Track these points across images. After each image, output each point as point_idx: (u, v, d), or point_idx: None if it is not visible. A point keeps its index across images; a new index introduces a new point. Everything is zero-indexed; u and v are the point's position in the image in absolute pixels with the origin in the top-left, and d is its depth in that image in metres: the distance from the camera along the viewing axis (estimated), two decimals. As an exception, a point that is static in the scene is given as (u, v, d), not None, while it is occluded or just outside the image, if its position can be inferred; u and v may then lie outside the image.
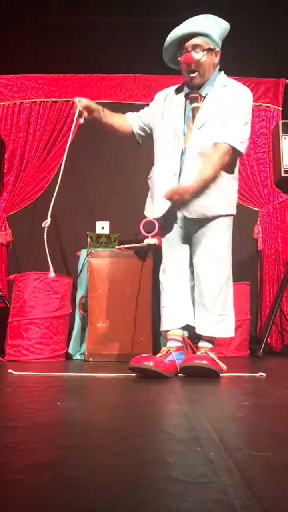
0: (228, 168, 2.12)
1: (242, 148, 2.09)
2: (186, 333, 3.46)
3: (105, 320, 2.98)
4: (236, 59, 3.90)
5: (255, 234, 4.04)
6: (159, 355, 2.04)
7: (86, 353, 2.95)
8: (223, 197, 2.12)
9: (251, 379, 1.99)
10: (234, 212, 2.19)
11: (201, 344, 2.10)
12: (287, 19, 3.54)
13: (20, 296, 2.99)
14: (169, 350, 2.05)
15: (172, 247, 2.21)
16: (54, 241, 3.99)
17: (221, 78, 2.21)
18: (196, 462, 0.77)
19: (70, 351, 3.10)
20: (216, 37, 2.14)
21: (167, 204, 2.10)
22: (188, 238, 2.19)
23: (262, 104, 4.14)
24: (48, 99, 4.06)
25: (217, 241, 2.12)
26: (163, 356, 2.02)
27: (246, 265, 3.96)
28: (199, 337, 2.13)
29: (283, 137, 3.86)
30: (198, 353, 2.05)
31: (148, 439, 0.97)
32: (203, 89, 2.15)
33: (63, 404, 1.39)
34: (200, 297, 2.10)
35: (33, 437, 0.97)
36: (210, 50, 2.10)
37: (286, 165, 3.80)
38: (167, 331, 2.16)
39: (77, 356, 3.11)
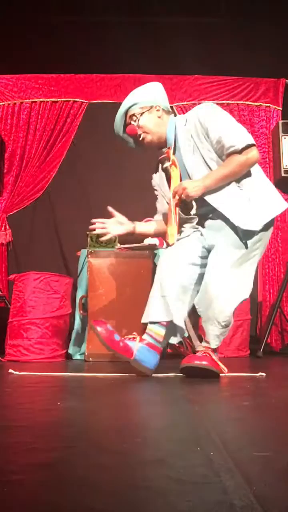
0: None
1: (249, 144, 1.99)
2: (186, 333, 3.46)
3: (105, 320, 2.98)
4: (236, 59, 3.91)
5: (255, 234, 4.04)
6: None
7: (86, 353, 2.95)
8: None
9: (251, 379, 1.99)
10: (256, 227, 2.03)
11: (204, 344, 2.08)
12: (287, 19, 3.54)
13: (20, 296, 2.99)
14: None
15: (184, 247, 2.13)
16: (54, 241, 3.99)
17: (179, 120, 2.17)
18: (196, 462, 0.77)
19: (70, 351, 3.10)
20: (145, 98, 2.14)
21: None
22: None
23: (262, 104, 4.15)
24: (48, 99, 4.07)
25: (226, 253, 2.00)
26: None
27: (246, 265, 3.96)
28: (201, 338, 2.12)
29: (283, 137, 3.86)
30: (199, 353, 2.04)
31: (148, 439, 0.97)
32: (168, 141, 2.14)
33: (63, 404, 1.39)
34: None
35: (33, 437, 0.97)
36: (144, 111, 2.12)
37: (286, 165, 3.81)
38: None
39: (77, 356, 3.11)
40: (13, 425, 1.08)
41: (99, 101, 4.02)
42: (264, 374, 2.02)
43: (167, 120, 2.17)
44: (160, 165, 2.25)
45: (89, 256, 3.10)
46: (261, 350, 3.25)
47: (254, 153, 2.01)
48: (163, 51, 3.83)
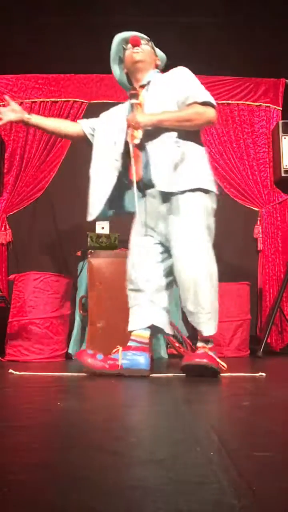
0: (194, 137, 2.14)
1: (211, 102, 2.13)
2: (186, 333, 3.46)
3: (105, 320, 2.98)
4: (236, 59, 3.91)
5: (255, 234, 4.04)
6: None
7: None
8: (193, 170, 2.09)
9: (251, 379, 1.99)
10: (210, 188, 2.10)
11: (199, 344, 2.09)
12: (286, 19, 3.54)
13: (20, 296, 2.99)
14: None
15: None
16: (54, 241, 3.99)
17: (160, 74, 2.32)
18: (195, 462, 0.77)
19: (70, 351, 3.10)
20: (158, 51, 2.38)
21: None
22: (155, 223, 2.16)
23: (262, 104, 4.15)
24: (48, 99, 4.07)
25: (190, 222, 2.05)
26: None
27: (246, 265, 3.96)
28: (198, 337, 2.13)
29: (283, 137, 3.86)
30: (198, 351, 2.05)
31: (148, 439, 0.97)
32: (144, 78, 2.25)
33: (63, 404, 1.39)
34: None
35: (33, 437, 0.97)
36: (153, 49, 2.32)
37: (286, 165, 3.81)
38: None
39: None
40: (13, 425, 1.08)
41: (99, 101, 4.02)
42: (264, 374, 2.02)
43: (153, 66, 2.31)
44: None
45: (89, 256, 3.10)
46: (261, 350, 3.25)
47: (213, 111, 2.12)
48: (162, 51, 3.82)
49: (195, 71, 4.20)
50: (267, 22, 3.61)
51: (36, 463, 0.77)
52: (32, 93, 4.08)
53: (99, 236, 3.26)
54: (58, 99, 4.07)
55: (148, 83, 2.24)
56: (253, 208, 4.06)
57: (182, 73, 2.25)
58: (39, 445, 0.90)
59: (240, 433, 1.03)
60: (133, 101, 2.20)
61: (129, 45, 2.26)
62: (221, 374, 2.04)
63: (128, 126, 2.11)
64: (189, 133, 2.12)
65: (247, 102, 4.15)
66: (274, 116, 4.14)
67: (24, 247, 4.00)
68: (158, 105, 2.13)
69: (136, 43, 2.24)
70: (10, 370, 2.13)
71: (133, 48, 2.24)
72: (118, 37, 2.31)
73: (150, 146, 2.11)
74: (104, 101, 3.99)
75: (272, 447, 0.88)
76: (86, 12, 3.70)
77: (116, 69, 2.39)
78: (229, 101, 4.14)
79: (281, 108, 4.15)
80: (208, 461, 0.77)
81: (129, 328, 2.12)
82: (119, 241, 3.32)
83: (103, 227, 3.37)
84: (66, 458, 0.81)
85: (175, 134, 2.09)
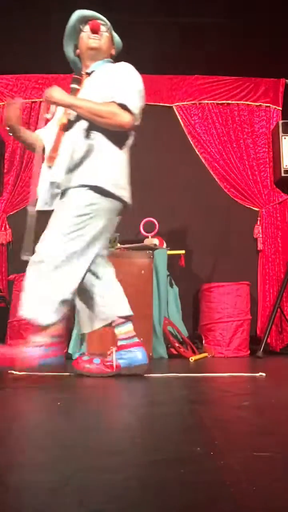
0: (113, 137, 2.06)
1: (128, 107, 1.99)
2: (186, 333, 3.46)
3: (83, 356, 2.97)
4: (236, 59, 3.91)
5: (255, 234, 4.04)
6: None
7: (86, 353, 2.95)
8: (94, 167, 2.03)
9: (251, 379, 1.99)
10: (107, 188, 2.04)
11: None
12: (286, 19, 3.54)
13: (20, 296, 2.99)
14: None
15: None
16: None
17: (111, 64, 2.23)
18: (196, 462, 0.77)
19: (70, 351, 3.10)
20: (116, 39, 2.30)
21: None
22: None
23: (262, 104, 4.15)
24: (48, 99, 4.06)
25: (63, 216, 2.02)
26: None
27: (246, 265, 3.96)
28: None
29: (283, 137, 3.86)
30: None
31: (148, 439, 0.97)
32: (92, 66, 2.20)
33: (63, 404, 1.39)
34: None
35: (33, 437, 0.97)
36: (111, 37, 2.25)
37: (286, 165, 3.81)
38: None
39: (77, 356, 3.11)
40: (13, 425, 1.08)
41: (99, 101, 4.02)
42: (264, 374, 2.02)
43: (106, 55, 2.24)
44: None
45: (89, 256, 3.09)
46: (261, 350, 3.25)
47: (127, 116, 2.00)
48: (163, 51, 3.82)
49: (195, 71, 4.22)
50: (267, 22, 3.61)
51: (36, 463, 0.77)
52: (32, 93, 4.08)
53: (99, 236, 3.26)
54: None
55: (94, 72, 2.19)
56: (253, 208, 4.06)
57: (122, 69, 2.15)
58: (39, 445, 0.90)
59: (240, 433, 1.03)
60: (74, 85, 2.16)
61: (87, 28, 2.17)
62: (221, 374, 2.05)
63: (44, 99, 2.05)
64: (114, 135, 2.06)
65: (247, 102, 4.15)
66: (274, 116, 4.14)
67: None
68: (92, 96, 2.06)
69: (95, 29, 2.16)
70: (10, 370, 2.13)
71: (91, 34, 2.17)
72: (77, 15, 2.21)
73: (67, 135, 2.05)
74: (104, 101, 3.99)
75: (272, 447, 0.88)
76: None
77: (68, 49, 2.31)
78: (229, 101, 4.14)
79: (281, 108, 4.15)
80: (208, 461, 0.77)
81: (97, 326, 2.15)
82: (119, 241, 3.32)
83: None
84: (66, 458, 0.81)
85: (89, 126, 2.03)
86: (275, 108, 4.15)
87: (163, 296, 3.30)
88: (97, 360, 2.05)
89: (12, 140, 4.01)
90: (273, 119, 4.13)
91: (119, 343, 2.08)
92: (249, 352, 3.48)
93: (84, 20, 2.19)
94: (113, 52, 2.31)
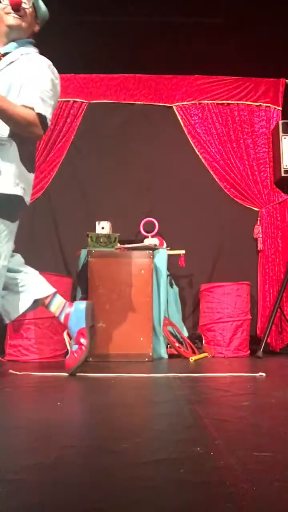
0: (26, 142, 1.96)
1: (47, 116, 1.93)
2: (186, 333, 3.46)
3: (105, 320, 2.98)
4: (236, 59, 3.91)
5: (255, 234, 4.04)
6: None
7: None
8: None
9: (251, 379, 1.99)
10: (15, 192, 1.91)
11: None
12: (287, 19, 3.54)
13: None
14: None
15: None
16: (54, 241, 3.99)
17: (29, 48, 2.07)
18: (196, 462, 0.77)
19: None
20: (41, 11, 2.10)
21: None
22: None
23: (262, 104, 4.15)
24: (48, 99, 4.06)
25: None
26: None
27: (246, 265, 3.96)
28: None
29: (283, 137, 3.86)
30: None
31: (148, 439, 0.97)
32: (7, 47, 2.02)
33: (63, 404, 1.39)
34: None
35: (33, 437, 0.97)
36: (34, 12, 2.06)
37: (286, 165, 3.81)
38: None
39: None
40: (13, 425, 1.08)
41: (99, 101, 4.02)
42: (264, 374, 2.02)
43: (27, 34, 2.08)
44: None
45: (89, 256, 3.10)
46: (261, 350, 3.25)
47: (42, 132, 1.94)
48: (163, 51, 3.82)
49: (195, 71, 4.21)
50: (267, 22, 3.61)
51: (36, 463, 0.77)
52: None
53: (99, 236, 3.26)
54: (58, 99, 4.06)
55: (7, 54, 2.02)
56: (253, 208, 4.05)
57: (36, 65, 1.99)
58: (39, 445, 0.90)
59: (240, 433, 1.03)
60: None
61: (7, 2, 1.97)
62: (221, 374, 2.05)
63: None
64: (25, 140, 1.98)
65: (247, 102, 4.15)
66: (274, 116, 4.14)
67: (24, 247, 3.99)
68: (2, 83, 1.94)
69: (16, 6, 1.96)
70: (11, 371, 2.13)
71: (12, 10, 1.97)
72: None
73: None
74: (104, 101, 3.99)
75: (272, 447, 0.88)
76: (85, 12, 3.69)
77: None
78: (229, 101, 4.14)
79: (281, 108, 4.15)
80: (209, 461, 0.77)
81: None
82: (119, 241, 3.32)
83: (103, 227, 3.37)
84: (66, 458, 0.81)
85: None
86: (275, 108, 4.15)
87: (163, 296, 3.30)
88: (74, 347, 2.11)
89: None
90: (273, 119, 4.13)
91: (60, 318, 2.14)
92: (249, 352, 3.48)
93: None
94: (36, 28, 2.12)
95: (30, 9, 2.04)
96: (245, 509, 0.57)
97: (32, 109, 1.89)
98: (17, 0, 1.96)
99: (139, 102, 4.06)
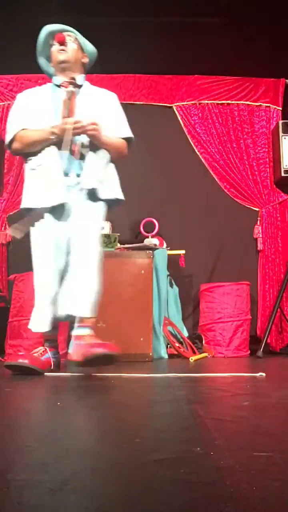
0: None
1: (130, 138, 2.34)
2: (186, 333, 3.46)
3: (105, 320, 2.98)
4: (236, 59, 3.91)
5: (255, 234, 4.04)
6: (34, 352, 2.17)
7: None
8: None
9: (251, 379, 1.99)
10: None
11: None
12: (286, 19, 3.54)
13: (20, 296, 2.99)
14: (46, 349, 2.21)
15: None
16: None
17: (88, 83, 2.38)
18: (196, 462, 0.77)
19: (70, 351, 3.10)
20: (88, 47, 2.35)
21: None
22: None
23: (262, 104, 4.15)
24: (48, 99, 4.06)
25: None
26: (40, 354, 2.16)
27: (246, 265, 3.96)
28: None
29: (283, 137, 3.86)
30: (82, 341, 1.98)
31: (148, 439, 0.97)
32: (78, 81, 2.29)
33: (63, 404, 1.39)
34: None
35: (33, 437, 0.97)
36: (80, 47, 2.31)
37: (286, 165, 3.81)
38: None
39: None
40: (13, 425, 1.08)
41: (99, 101, 4.02)
42: (264, 374, 2.02)
43: (82, 67, 2.34)
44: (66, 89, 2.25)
45: (89, 256, 3.09)
46: (261, 350, 3.25)
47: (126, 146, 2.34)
48: (163, 51, 3.82)
49: (195, 71, 4.22)
50: (267, 22, 3.61)
51: (36, 463, 0.77)
52: (32, 93, 4.08)
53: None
54: (58, 99, 4.06)
55: (80, 86, 2.29)
56: (253, 208, 4.05)
57: (114, 101, 2.35)
58: (39, 445, 0.90)
59: (240, 433, 1.03)
60: (70, 88, 2.22)
61: (55, 41, 2.25)
62: (221, 374, 2.05)
63: (77, 123, 2.09)
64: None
65: (247, 102, 4.15)
66: (274, 116, 4.14)
67: (24, 247, 3.99)
68: (85, 113, 2.18)
69: (61, 41, 2.23)
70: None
71: (59, 46, 2.24)
72: (45, 30, 2.28)
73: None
74: (104, 101, 3.99)
75: (272, 447, 0.88)
76: (85, 12, 3.69)
77: (41, 62, 2.39)
78: (229, 101, 4.14)
79: (281, 108, 4.15)
80: (209, 461, 0.77)
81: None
82: (119, 241, 3.32)
83: (103, 227, 3.36)
84: (66, 458, 0.81)
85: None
86: (275, 108, 4.15)
87: (163, 296, 3.30)
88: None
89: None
90: (273, 119, 4.13)
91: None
92: (249, 352, 3.48)
93: (53, 35, 2.26)
94: (86, 61, 2.35)
95: (74, 44, 2.28)
96: (245, 509, 0.57)
97: (128, 140, 2.36)
98: (61, 37, 2.23)
99: (139, 102, 4.07)
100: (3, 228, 3.93)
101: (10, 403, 1.44)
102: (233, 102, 4.15)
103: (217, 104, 4.14)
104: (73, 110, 2.18)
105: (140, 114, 4.02)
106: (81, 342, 1.96)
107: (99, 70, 4.02)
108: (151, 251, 3.15)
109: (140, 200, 3.91)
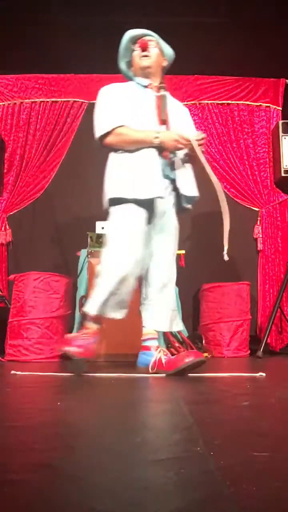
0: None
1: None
2: (186, 333, 3.46)
3: (105, 320, 2.97)
4: (236, 59, 3.91)
5: (255, 234, 4.04)
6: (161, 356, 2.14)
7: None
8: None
9: (251, 379, 1.99)
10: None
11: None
12: (287, 19, 3.54)
13: (20, 296, 2.99)
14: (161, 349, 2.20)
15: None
16: (54, 241, 3.99)
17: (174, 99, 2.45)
18: (196, 462, 0.77)
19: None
20: (167, 51, 2.39)
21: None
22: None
23: (262, 104, 4.15)
24: (48, 99, 4.07)
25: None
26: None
27: (246, 265, 3.96)
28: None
29: (283, 137, 3.86)
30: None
31: (148, 439, 0.97)
32: (162, 83, 2.34)
33: (63, 404, 1.39)
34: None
35: (33, 437, 0.97)
36: (161, 51, 2.35)
37: (286, 165, 3.81)
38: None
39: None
40: (13, 425, 1.08)
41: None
42: (264, 374, 2.02)
43: (162, 71, 2.39)
44: (157, 89, 2.32)
45: (89, 256, 3.10)
46: (261, 350, 3.25)
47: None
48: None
49: (195, 71, 4.21)
50: (267, 22, 3.61)
51: (36, 463, 0.77)
52: (32, 93, 4.08)
53: (99, 236, 3.26)
54: (58, 99, 4.07)
55: (164, 94, 2.31)
56: (253, 208, 4.06)
57: (188, 113, 2.49)
58: (39, 445, 0.90)
59: (240, 433, 1.03)
60: (164, 93, 2.28)
61: (137, 46, 2.28)
62: (221, 374, 2.05)
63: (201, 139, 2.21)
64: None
65: (247, 102, 4.15)
66: (274, 116, 4.14)
67: (24, 247, 4.00)
68: (179, 124, 2.26)
69: (144, 47, 2.26)
70: (13, 371, 2.13)
71: (141, 52, 2.27)
72: (127, 35, 2.31)
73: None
74: (104, 101, 3.99)
75: (272, 447, 0.88)
76: (86, 12, 3.69)
77: (122, 65, 2.42)
78: (229, 101, 4.14)
79: (281, 108, 4.15)
80: (208, 461, 0.77)
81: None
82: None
83: (103, 227, 3.37)
84: (66, 458, 0.81)
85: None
86: (275, 108, 4.15)
87: (163, 296, 3.30)
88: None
89: (12, 140, 4.02)
90: (273, 119, 4.13)
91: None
92: (249, 352, 3.48)
93: (135, 40, 2.29)
94: (165, 64, 2.40)
95: (156, 49, 2.32)
96: (245, 509, 0.57)
97: None
98: (144, 43, 2.27)
99: (139, 102, 4.06)
100: (3, 228, 3.94)
101: (10, 403, 1.44)
102: (233, 102, 4.15)
103: (217, 104, 4.14)
104: (168, 115, 2.25)
105: (140, 114, 4.01)
106: (167, 354, 2.14)
107: (99, 70, 4.03)
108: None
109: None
